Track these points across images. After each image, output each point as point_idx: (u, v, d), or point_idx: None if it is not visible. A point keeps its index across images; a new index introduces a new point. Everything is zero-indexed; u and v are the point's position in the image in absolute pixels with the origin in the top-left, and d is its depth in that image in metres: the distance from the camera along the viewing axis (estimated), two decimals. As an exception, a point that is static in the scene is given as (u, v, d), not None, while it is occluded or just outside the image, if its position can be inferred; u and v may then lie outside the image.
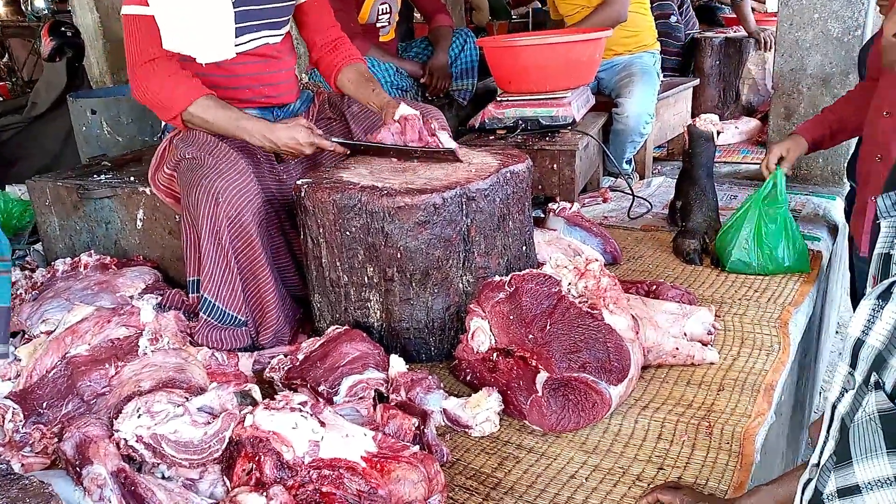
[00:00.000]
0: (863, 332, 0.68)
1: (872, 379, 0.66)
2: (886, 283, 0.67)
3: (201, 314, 1.68)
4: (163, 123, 1.97)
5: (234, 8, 1.73)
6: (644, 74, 2.90)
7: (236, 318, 1.68)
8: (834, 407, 0.73)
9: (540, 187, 2.48)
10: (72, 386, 1.44)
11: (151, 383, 1.39)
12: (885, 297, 0.67)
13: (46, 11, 6.79)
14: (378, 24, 3.06)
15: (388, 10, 3.08)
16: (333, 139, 1.82)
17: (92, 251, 2.07)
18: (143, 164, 2.31)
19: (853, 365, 0.70)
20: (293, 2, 1.92)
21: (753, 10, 4.81)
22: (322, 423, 1.19)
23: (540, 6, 7.90)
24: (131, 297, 1.83)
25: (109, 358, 1.48)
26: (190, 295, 1.77)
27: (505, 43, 2.74)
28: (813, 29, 2.61)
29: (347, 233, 1.60)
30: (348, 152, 1.86)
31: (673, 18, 4.03)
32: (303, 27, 2.02)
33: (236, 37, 1.79)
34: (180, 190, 1.72)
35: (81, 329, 1.58)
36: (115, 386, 1.43)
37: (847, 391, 0.71)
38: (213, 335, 1.67)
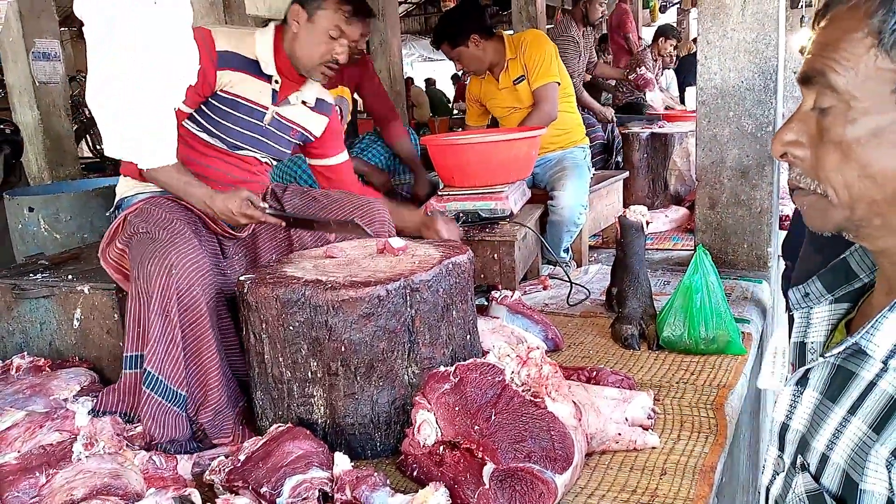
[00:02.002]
0: (787, 416, 0.74)
1: (798, 461, 0.70)
2: (802, 370, 0.73)
3: (144, 388, 1.65)
4: (116, 199, 1.99)
5: (246, 131, 1.95)
6: (576, 168, 3.08)
7: (177, 392, 1.67)
8: (767, 489, 0.77)
9: (482, 276, 2.54)
10: (-3, 498, 1.37)
11: (85, 491, 1.34)
12: (802, 382, 0.73)
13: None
14: None
15: (339, 115, 3.19)
16: (267, 210, 1.90)
17: (25, 353, 2.00)
18: (81, 262, 2.28)
19: (781, 448, 0.75)
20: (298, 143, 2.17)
21: (669, 107, 5.22)
22: (265, 527, 1.16)
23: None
24: (66, 401, 1.77)
25: (40, 465, 1.42)
26: (123, 372, 1.74)
27: (448, 141, 2.87)
28: (729, 126, 2.82)
29: (291, 327, 1.61)
30: (283, 224, 1.97)
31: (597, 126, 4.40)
32: None
33: (234, 150, 2.00)
34: (131, 262, 1.73)
35: (10, 436, 1.52)
36: (45, 496, 1.37)
37: (778, 474, 0.75)
38: (158, 418, 1.64)
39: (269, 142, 2.05)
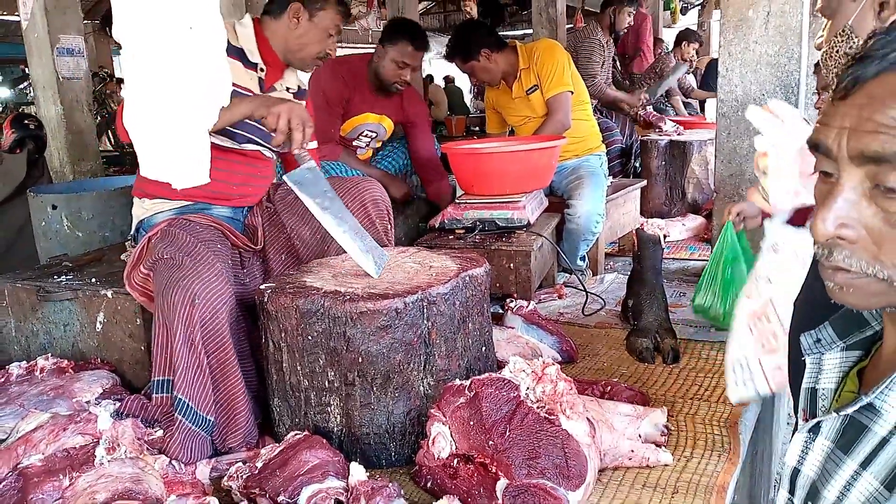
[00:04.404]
0: (798, 461, 0.75)
1: None
2: (815, 421, 0.74)
3: (177, 415, 1.67)
4: (136, 223, 2.01)
5: (247, 119, 1.88)
6: (592, 176, 3.08)
7: (206, 419, 1.69)
8: None
9: (498, 285, 2.55)
10: (23, 499, 1.40)
11: (107, 495, 1.37)
12: (815, 430, 0.74)
13: (11, 100, 6.85)
14: (355, 143, 3.19)
15: (372, 136, 3.22)
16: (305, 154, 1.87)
17: (49, 354, 2.04)
18: (104, 265, 2.32)
19: (791, 492, 0.76)
20: None
21: (677, 111, 5.21)
22: (283, 538, 1.19)
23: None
24: (88, 403, 1.80)
25: (64, 468, 1.46)
26: (153, 395, 1.76)
27: (468, 149, 2.89)
28: (749, 138, 2.80)
29: (309, 337, 1.63)
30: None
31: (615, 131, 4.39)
32: None
33: (241, 144, 1.99)
34: (155, 290, 1.74)
35: (35, 438, 1.55)
36: (68, 498, 1.40)
37: None
38: (185, 443, 1.66)
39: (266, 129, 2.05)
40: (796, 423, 0.84)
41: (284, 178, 1.85)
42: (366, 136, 3.19)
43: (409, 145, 3.41)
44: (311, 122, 1.84)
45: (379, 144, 3.33)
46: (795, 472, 0.75)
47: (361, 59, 3.18)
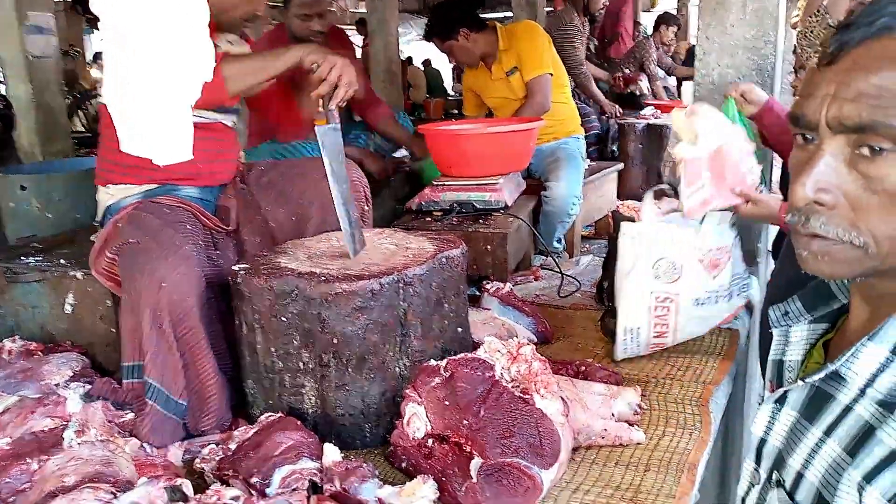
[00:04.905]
0: (765, 432, 0.76)
1: (774, 477, 0.72)
2: (781, 391, 0.75)
3: (147, 399, 1.65)
4: (102, 209, 1.97)
5: None
6: (570, 159, 3.08)
7: (178, 403, 1.67)
8: (743, 500, 0.79)
9: (474, 267, 2.55)
10: (-10, 483, 1.38)
11: (76, 478, 1.35)
12: (781, 401, 0.75)
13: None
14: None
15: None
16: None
17: (16, 336, 2.01)
18: (74, 246, 2.27)
19: (758, 461, 0.77)
20: None
21: (656, 94, 5.22)
22: (255, 519, 1.18)
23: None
24: (57, 386, 1.78)
25: (32, 452, 1.44)
26: (123, 381, 1.74)
27: (447, 131, 2.87)
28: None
29: (283, 319, 1.62)
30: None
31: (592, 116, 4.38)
32: None
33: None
34: (122, 275, 1.71)
35: (2, 421, 1.53)
36: (37, 482, 1.38)
37: (753, 486, 0.77)
38: (157, 427, 1.64)
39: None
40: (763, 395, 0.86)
41: (316, 128, 1.78)
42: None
43: None
44: (356, 85, 1.81)
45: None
46: (762, 443, 0.76)
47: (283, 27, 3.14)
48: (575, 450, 1.58)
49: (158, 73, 1.40)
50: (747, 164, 1.89)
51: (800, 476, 0.69)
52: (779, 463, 0.73)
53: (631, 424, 1.66)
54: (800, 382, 0.72)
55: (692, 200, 1.88)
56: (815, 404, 0.71)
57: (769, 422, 0.76)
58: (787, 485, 0.70)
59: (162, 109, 1.53)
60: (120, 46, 1.37)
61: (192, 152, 1.88)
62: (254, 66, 1.84)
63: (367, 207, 2.17)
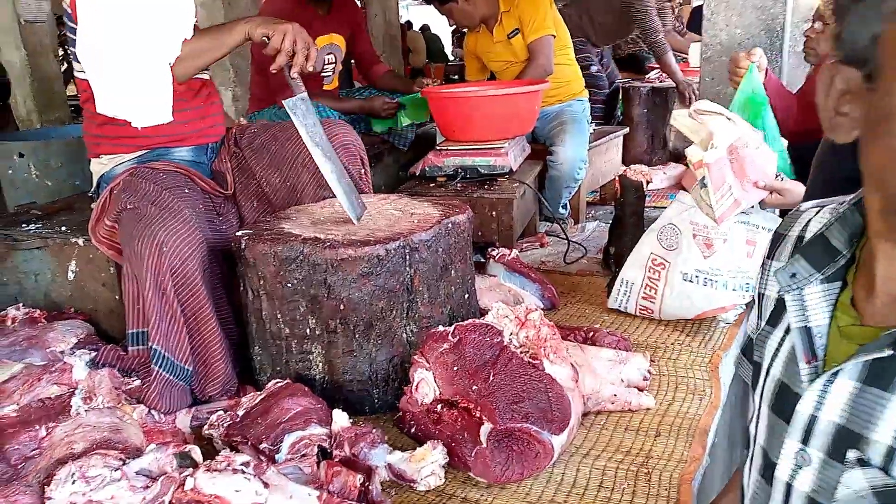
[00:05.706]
0: (815, 408, 0.70)
1: (853, 456, 0.66)
2: (836, 368, 0.68)
3: (153, 366, 1.63)
4: (96, 178, 1.93)
5: None
6: (575, 122, 3.04)
7: (184, 368, 1.65)
8: (788, 484, 0.74)
9: (480, 233, 2.53)
10: (-2, 450, 1.38)
11: (85, 445, 1.35)
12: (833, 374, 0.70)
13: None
14: (322, 74, 3.10)
15: (333, 60, 3.12)
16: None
17: (20, 304, 1.99)
18: (74, 213, 2.25)
19: (805, 441, 0.72)
20: None
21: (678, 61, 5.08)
22: (266, 485, 1.18)
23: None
24: (62, 353, 1.76)
25: (40, 419, 1.43)
26: (129, 348, 1.72)
27: (451, 94, 2.82)
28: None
29: (289, 285, 1.60)
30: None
31: (594, 68, 4.20)
32: None
33: None
34: (122, 241, 1.68)
35: (9, 388, 1.52)
36: (45, 449, 1.38)
37: (801, 468, 0.72)
38: (164, 393, 1.62)
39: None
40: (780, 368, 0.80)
41: (283, 102, 1.73)
42: (328, 63, 3.10)
43: (354, 54, 3.36)
44: (315, 45, 1.75)
45: (341, 67, 3.26)
46: (812, 420, 0.72)
47: None
48: (585, 415, 1.58)
49: (136, 31, 1.34)
50: (763, 155, 1.86)
51: (892, 450, 0.63)
52: (850, 440, 0.67)
53: (640, 390, 1.65)
54: (859, 358, 0.66)
55: (722, 206, 1.87)
56: (881, 369, 0.65)
57: (819, 396, 0.71)
58: (878, 461, 0.64)
59: (140, 68, 1.47)
60: (95, 4, 1.32)
61: (172, 114, 1.82)
62: (199, 48, 1.73)
63: (363, 171, 2.12)
